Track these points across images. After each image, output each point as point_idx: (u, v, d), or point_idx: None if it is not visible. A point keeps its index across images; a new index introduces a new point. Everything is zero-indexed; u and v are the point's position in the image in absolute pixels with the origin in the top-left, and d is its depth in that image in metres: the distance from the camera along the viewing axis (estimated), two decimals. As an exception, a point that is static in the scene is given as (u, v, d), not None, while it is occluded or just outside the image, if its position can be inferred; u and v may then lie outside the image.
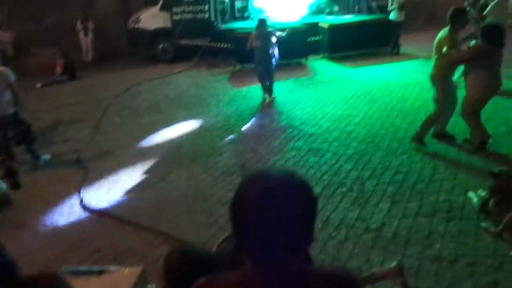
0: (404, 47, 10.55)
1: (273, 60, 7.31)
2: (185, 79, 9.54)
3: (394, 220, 3.75)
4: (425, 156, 4.95)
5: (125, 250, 3.63)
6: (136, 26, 11.18)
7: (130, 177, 5.02)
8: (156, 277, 2.12)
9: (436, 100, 5.07)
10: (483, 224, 3.49)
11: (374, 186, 4.38)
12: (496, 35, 4.60)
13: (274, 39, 7.26)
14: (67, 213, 4.36)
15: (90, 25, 11.78)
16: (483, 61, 4.58)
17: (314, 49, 10.55)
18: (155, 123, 6.76)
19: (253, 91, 7.92)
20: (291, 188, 1.01)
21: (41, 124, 6.79)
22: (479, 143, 4.88)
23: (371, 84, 8.12)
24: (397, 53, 10.49)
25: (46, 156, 5.64)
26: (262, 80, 7.38)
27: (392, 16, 10.32)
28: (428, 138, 5.22)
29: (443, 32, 4.88)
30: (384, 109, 6.72)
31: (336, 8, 12.68)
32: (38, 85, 9.54)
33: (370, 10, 11.93)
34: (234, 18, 12.04)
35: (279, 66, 9.42)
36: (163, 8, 10.90)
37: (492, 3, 7.90)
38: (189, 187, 4.70)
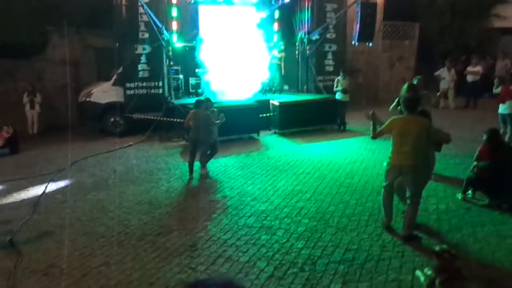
0: (350, 125, 11.20)
1: (208, 141, 7.40)
2: (136, 152, 9.39)
3: (346, 303, 3.68)
4: (374, 234, 5.04)
5: None
6: (87, 99, 11.15)
7: (69, 261, 4.63)
8: None
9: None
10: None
11: (325, 266, 4.34)
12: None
13: (210, 122, 7.38)
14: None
15: (38, 98, 11.58)
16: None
17: (265, 125, 10.95)
18: (101, 200, 6.46)
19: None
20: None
21: (-28, 202, 6.28)
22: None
23: (320, 160, 8.40)
24: (344, 130, 11.10)
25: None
26: (190, 157, 7.48)
27: (338, 96, 11.08)
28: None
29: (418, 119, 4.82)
30: (333, 185, 6.90)
31: (286, 87, 13.47)
32: (-24, 158, 8.99)
33: (317, 90, 12.75)
34: (188, 94, 12.36)
35: (232, 141, 9.64)
36: (116, 83, 11.03)
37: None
38: (134, 270, 4.40)
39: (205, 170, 7.56)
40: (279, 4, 13.45)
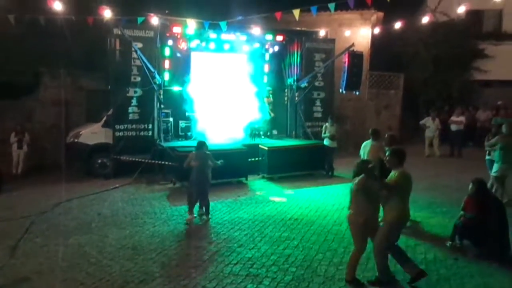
0: (338, 171, 11.26)
1: (210, 182, 7.50)
2: (122, 195, 9.24)
3: None
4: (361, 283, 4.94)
5: None
6: (75, 140, 11.11)
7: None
8: None
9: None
10: None
11: (313, 318, 4.20)
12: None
13: (210, 163, 7.45)
14: None
15: (26, 137, 11.50)
16: None
17: (254, 169, 10.95)
18: (82, 244, 6.25)
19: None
20: None
21: None
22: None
23: (308, 206, 8.36)
24: (332, 176, 11.14)
25: None
26: (191, 200, 7.44)
27: (326, 142, 11.22)
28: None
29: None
30: (321, 232, 6.83)
31: (275, 132, 13.64)
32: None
33: (306, 136, 12.93)
34: (177, 137, 12.41)
35: (220, 185, 9.58)
36: (105, 125, 11.05)
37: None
38: (112, 322, 4.20)
39: (209, 216, 7.55)
40: (270, 52, 13.93)
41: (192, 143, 10.44)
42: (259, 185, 10.26)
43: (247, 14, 10.50)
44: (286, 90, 13.96)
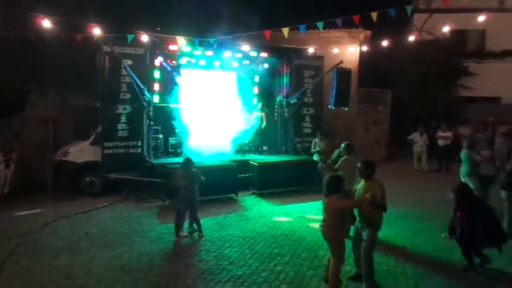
0: (328, 186, 11.25)
1: (198, 199, 7.43)
2: (111, 214, 9.10)
3: None
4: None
5: None
6: (64, 158, 10.97)
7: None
8: None
9: None
10: None
11: (305, 336, 4.15)
12: None
13: (200, 179, 7.42)
14: None
15: (14, 157, 11.32)
16: None
17: (244, 185, 10.92)
18: (70, 266, 6.12)
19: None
20: None
21: None
22: None
23: (299, 222, 8.34)
24: (322, 191, 11.12)
25: None
26: (178, 218, 7.35)
27: (316, 157, 11.25)
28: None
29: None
30: (311, 248, 6.81)
31: (265, 148, 13.67)
32: None
33: (296, 151, 12.97)
34: (166, 153, 12.35)
35: (211, 201, 9.52)
36: (94, 142, 10.95)
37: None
38: None
39: (202, 232, 7.49)
40: (259, 69, 14.05)
41: (182, 159, 10.41)
42: (249, 202, 10.22)
43: (237, 32, 10.62)
44: (276, 107, 14.06)
